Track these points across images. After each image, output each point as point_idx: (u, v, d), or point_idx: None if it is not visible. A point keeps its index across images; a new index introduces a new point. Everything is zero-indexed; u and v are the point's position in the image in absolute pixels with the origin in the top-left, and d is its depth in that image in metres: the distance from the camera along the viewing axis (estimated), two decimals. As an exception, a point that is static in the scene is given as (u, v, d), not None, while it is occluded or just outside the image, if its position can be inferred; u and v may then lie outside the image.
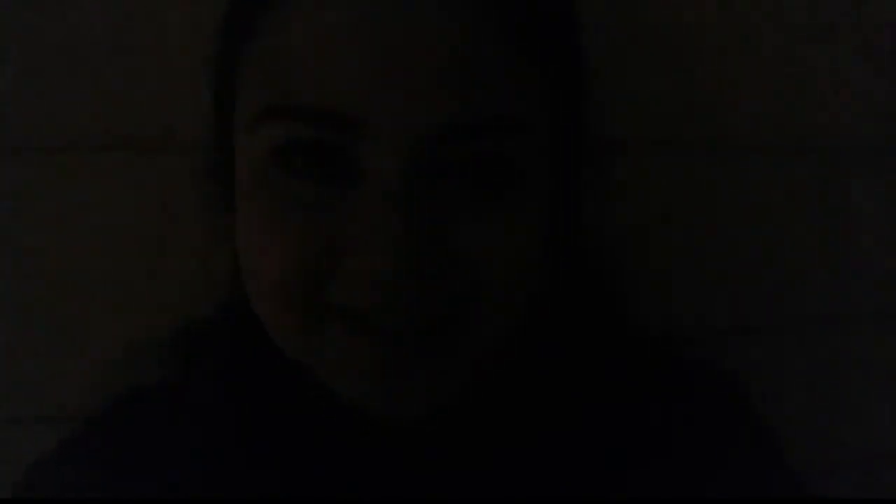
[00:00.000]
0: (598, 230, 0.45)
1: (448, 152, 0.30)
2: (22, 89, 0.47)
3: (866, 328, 0.65)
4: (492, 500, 0.37)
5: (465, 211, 0.31)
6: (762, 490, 0.41)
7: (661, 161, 0.57)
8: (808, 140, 0.60)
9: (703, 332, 0.60)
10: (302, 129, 0.31)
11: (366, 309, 0.31)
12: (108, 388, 0.42)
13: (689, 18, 0.56)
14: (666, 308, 0.58)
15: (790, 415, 0.61)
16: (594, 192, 0.42)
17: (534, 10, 0.32)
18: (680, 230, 0.58)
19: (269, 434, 0.38)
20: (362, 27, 0.29)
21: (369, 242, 0.29)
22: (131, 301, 0.49)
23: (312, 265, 0.31)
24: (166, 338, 0.42)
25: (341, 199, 0.31)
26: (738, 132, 0.58)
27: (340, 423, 0.36)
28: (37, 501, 0.38)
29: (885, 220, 0.64)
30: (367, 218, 0.30)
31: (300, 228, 0.31)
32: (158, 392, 0.41)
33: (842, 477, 0.65)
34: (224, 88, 0.35)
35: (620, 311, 0.44)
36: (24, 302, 0.48)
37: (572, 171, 0.38)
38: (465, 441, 0.37)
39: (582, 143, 0.39)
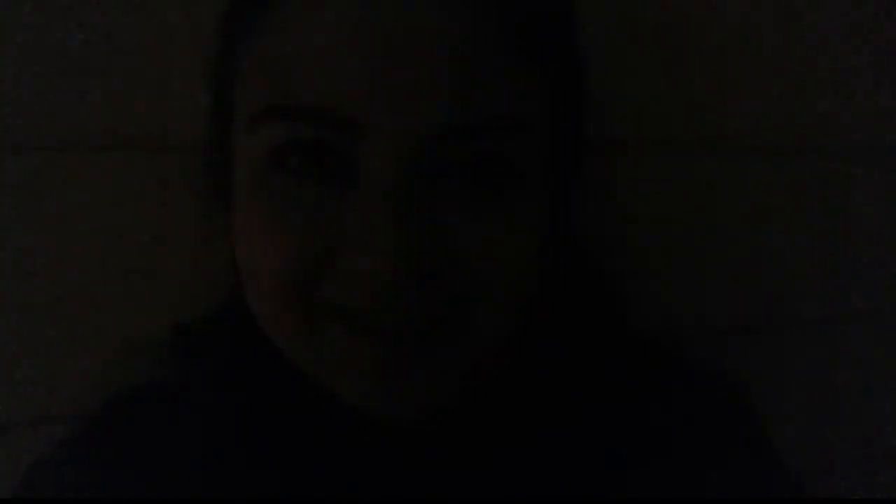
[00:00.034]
0: (598, 230, 0.45)
1: (448, 152, 0.30)
2: (22, 89, 0.47)
3: (866, 328, 0.65)
4: (492, 500, 0.37)
5: (464, 211, 0.31)
6: (762, 490, 0.41)
7: (661, 161, 0.57)
8: (808, 140, 0.60)
9: (703, 332, 0.60)
10: (302, 130, 0.31)
11: (365, 309, 0.31)
12: (107, 388, 0.42)
13: (689, 18, 0.56)
14: (666, 308, 0.58)
15: (790, 415, 0.61)
16: (594, 192, 0.42)
17: (533, 10, 0.32)
18: (680, 230, 0.58)
19: (268, 434, 0.38)
20: (362, 27, 0.29)
21: (369, 242, 0.29)
22: (131, 301, 0.49)
23: (312, 265, 0.31)
24: (166, 338, 0.42)
25: (341, 199, 0.31)
26: (738, 132, 0.58)
27: (340, 423, 0.36)
28: (37, 501, 0.38)
29: (885, 220, 0.64)
30: (366, 218, 0.30)
31: (299, 228, 0.31)
32: (158, 392, 0.41)
33: (842, 477, 0.64)
34: (223, 88, 0.35)
35: (620, 311, 0.44)
36: (24, 302, 0.48)
37: (572, 171, 0.38)
38: (465, 441, 0.37)
39: (582, 143, 0.39)
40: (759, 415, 0.44)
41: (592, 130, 0.39)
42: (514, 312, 0.34)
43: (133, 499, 0.37)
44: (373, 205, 0.30)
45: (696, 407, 0.42)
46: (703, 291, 0.59)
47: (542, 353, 0.39)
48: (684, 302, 0.59)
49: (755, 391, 0.44)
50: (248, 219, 0.33)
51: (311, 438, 0.38)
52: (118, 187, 0.49)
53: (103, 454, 0.39)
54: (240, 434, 0.38)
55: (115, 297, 0.49)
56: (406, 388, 0.33)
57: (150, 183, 0.49)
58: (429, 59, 0.29)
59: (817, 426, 0.64)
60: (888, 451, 0.66)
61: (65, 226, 0.48)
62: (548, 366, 0.39)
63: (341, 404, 0.34)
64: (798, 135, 0.60)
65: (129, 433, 0.39)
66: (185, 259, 0.48)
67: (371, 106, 0.29)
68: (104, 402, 0.41)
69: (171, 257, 0.49)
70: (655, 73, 0.55)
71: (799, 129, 0.60)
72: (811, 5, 0.58)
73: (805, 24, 0.58)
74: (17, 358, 0.49)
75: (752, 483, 0.41)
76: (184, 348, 0.41)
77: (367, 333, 0.31)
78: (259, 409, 0.38)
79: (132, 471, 0.38)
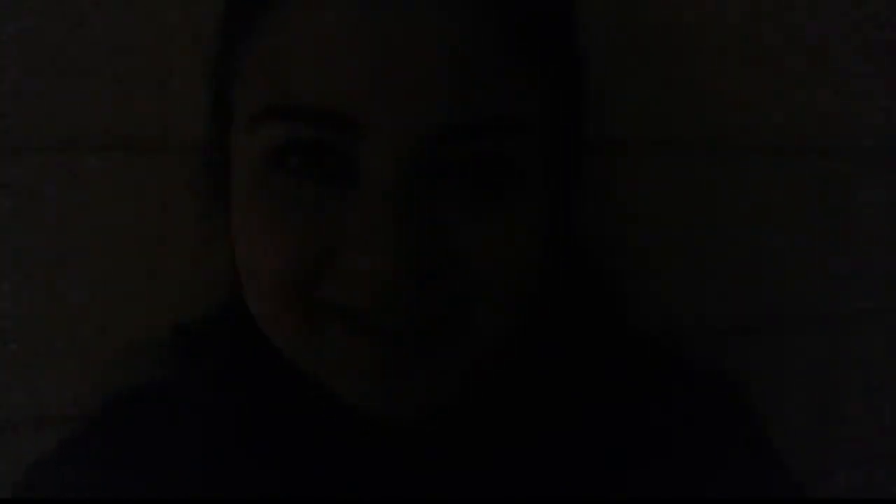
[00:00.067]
0: (598, 230, 0.45)
1: (448, 152, 0.30)
2: (22, 89, 0.47)
3: (866, 328, 0.65)
4: (492, 500, 0.37)
5: (464, 211, 0.31)
6: (761, 490, 0.41)
7: (661, 161, 0.57)
8: (808, 140, 0.60)
9: (703, 332, 0.60)
10: (302, 130, 0.31)
11: (365, 309, 0.31)
12: (107, 388, 0.42)
13: (689, 18, 0.56)
14: (666, 308, 0.58)
15: (790, 415, 0.61)
16: (594, 192, 0.42)
17: (533, 10, 0.32)
18: (680, 230, 0.58)
19: (268, 434, 0.38)
20: (362, 27, 0.29)
21: (369, 242, 0.29)
22: (131, 301, 0.49)
23: (312, 265, 0.31)
24: (166, 338, 0.42)
25: (341, 199, 0.31)
26: (738, 132, 0.58)
27: (340, 423, 0.36)
28: (37, 501, 0.38)
29: (885, 220, 0.64)
30: (366, 218, 0.30)
31: (299, 228, 0.31)
32: (158, 392, 0.41)
33: (842, 477, 0.64)
34: (223, 88, 0.35)
35: (620, 311, 0.44)
36: (24, 302, 0.48)
37: (572, 171, 0.38)
38: (465, 441, 0.37)
39: (582, 143, 0.39)
40: (759, 415, 0.44)
41: (592, 130, 0.39)
42: (515, 312, 0.34)
43: (133, 499, 0.37)
44: (373, 205, 0.30)
45: (696, 407, 0.42)
46: (703, 291, 0.59)
47: (542, 353, 0.39)
48: (684, 302, 0.59)
49: (755, 391, 0.44)
50: (248, 219, 0.33)
51: (311, 438, 0.38)
52: (118, 187, 0.49)
53: (103, 454, 0.39)
54: (240, 434, 0.38)
55: (115, 297, 0.49)
56: (406, 388, 0.33)
57: (150, 183, 0.49)
58: (429, 59, 0.29)
59: (817, 426, 0.64)
60: (888, 451, 0.66)
61: (65, 226, 0.48)
62: (548, 366, 0.39)
63: (341, 404, 0.34)
64: (798, 135, 0.60)
65: (129, 433, 0.39)
66: (185, 259, 0.48)
67: (371, 106, 0.29)
68: (104, 402, 0.41)
69: (171, 257, 0.49)
70: (655, 73, 0.55)
71: (799, 129, 0.60)
72: (811, 5, 0.58)
73: (805, 24, 0.58)
74: (17, 358, 0.49)
75: (751, 483, 0.41)
76: (184, 348, 0.41)
77: (367, 333, 0.31)
78: (259, 409, 0.38)
79: (132, 471, 0.38)
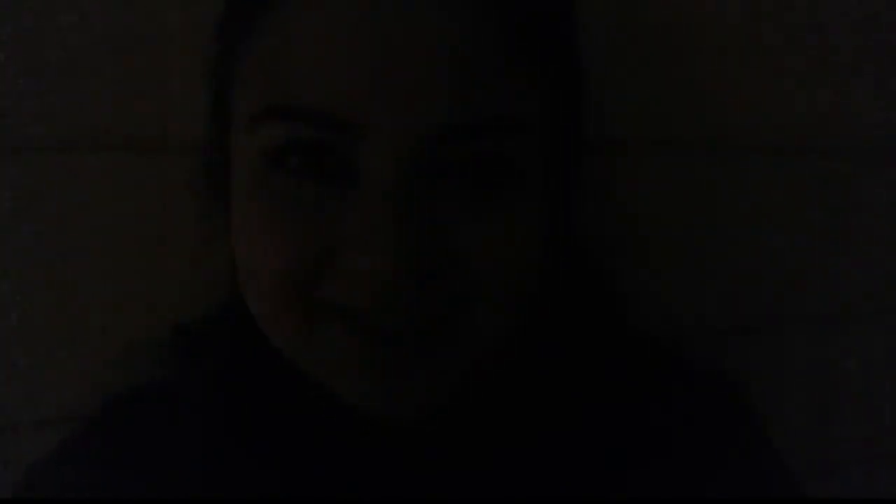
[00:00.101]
0: (598, 230, 0.45)
1: (447, 152, 0.30)
2: (22, 89, 0.47)
3: (866, 328, 0.65)
4: (492, 500, 0.37)
5: (464, 211, 0.31)
6: (761, 490, 0.41)
7: (661, 161, 0.57)
8: (808, 140, 0.60)
9: (703, 332, 0.60)
10: (302, 130, 0.31)
11: (365, 309, 0.31)
12: (107, 388, 0.42)
13: (689, 18, 0.56)
14: (666, 308, 0.58)
15: (790, 415, 0.61)
16: (594, 192, 0.42)
17: (534, 10, 0.32)
18: (680, 230, 0.58)
19: (268, 434, 0.38)
20: (362, 27, 0.29)
21: (368, 242, 0.29)
22: (131, 301, 0.49)
23: (311, 265, 0.31)
24: (166, 338, 0.42)
25: (340, 200, 0.31)
26: (738, 132, 0.58)
27: (340, 423, 0.36)
28: (37, 501, 0.38)
29: (886, 220, 0.64)
30: (366, 218, 0.30)
31: (299, 228, 0.31)
32: (158, 392, 0.41)
33: (842, 477, 0.64)
34: (223, 88, 0.35)
35: (620, 311, 0.44)
36: (24, 302, 0.48)
37: (572, 172, 0.38)
38: (465, 441, 0.37)
39: (582, 143, 0.39)
40: (759, 415, 0.44)
41: (592, 130, 0.39)
42: (514, 312, 0.34)
43: (133, 499, 0.37)
44: (373, 205, 0.30)
45: (696, 407, 0.42)
46: (703, 291, 0.59)
47: (541, 354, 0.39)
48: (684, 302, 0.59)
49: (755, 391, 0.44)
50: (248, 219, 0.33)
51: (311, 438, 0.38)
52: (118, 187, 0.49)
53: (103, 454, 0.39)
54: (240, 434, 0.38)
55: (115, 297, 0.49)
56: (406, 388, 0.33)
57: (150, 183, 0.49)
58: (429, 59, 0.29)
59: (817, 426, 0.64)
60: (888, 451, 0.66)
61: (65, 226, 0.48)
62: (547, 366, 0.39)
63: (341, 404, 0.34)
64: (798, 135, 0.60)
65: (129, 433, 0.39)
66: (185, 259, 0.48)
67: (371, 106, 0.29)
68: (104, 402, 0.41)
69: (171, 257, 0.49)
70: (655, 73, 0.55)
71: (799, 129, 0.60)
72: (811, 5, 0.58)
73: (805, 24, 0.58)
74: (18, 358, 0.49)
75: (751, 483, 0.41)
76: (184, 348, 0.41)
77: (368, 333, 0.31)
78: (259, 409, 0.38)
79: (132, 471, 0.38)
